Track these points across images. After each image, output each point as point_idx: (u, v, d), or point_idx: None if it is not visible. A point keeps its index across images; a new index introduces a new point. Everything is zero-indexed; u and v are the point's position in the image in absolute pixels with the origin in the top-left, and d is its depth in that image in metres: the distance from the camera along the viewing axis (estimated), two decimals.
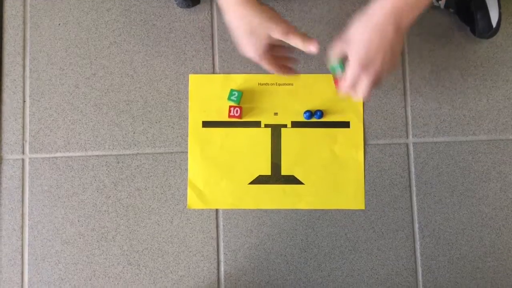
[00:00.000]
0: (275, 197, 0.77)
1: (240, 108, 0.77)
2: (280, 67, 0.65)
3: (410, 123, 0.79)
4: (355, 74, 0.59)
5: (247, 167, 0.78)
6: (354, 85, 0.61)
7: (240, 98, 0.77)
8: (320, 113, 0.77)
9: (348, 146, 0.78)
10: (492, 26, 0.74)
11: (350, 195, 0.77)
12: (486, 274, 0.76)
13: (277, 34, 0.60)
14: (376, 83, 0.60)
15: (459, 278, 0.76)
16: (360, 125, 0.78)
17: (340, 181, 0.77)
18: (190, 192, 0.77)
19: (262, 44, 0.61)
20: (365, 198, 0.77)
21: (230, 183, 0.77)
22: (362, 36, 0.58)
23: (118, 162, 0.78)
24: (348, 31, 0.60)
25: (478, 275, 0.76)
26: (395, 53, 0.59)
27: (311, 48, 0.62)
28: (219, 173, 0.78)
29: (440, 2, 0.77)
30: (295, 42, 0.61)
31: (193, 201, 0.77)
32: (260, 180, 0.78)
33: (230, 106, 0.77)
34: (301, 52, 0.79)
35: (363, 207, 0.77)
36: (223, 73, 0.79)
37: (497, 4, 0.74)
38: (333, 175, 0.77)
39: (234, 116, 0.76)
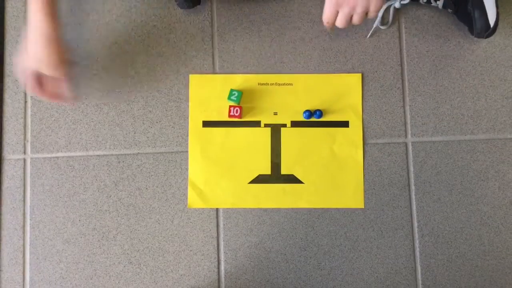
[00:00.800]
0: (275, 196, 0.78)
1: (240, 107, 0.77)
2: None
3: (408, 122, 0.79)
4: (330, 11, 0.69)
5: (247, 167, 0.78)
6: (333, 20, 0.70)
7: (240, 98, 0.77)
8: (320, 113, 0.78)
9: (348, 146, 0.78)
10: (489, 25, 0.75)
11: (349, 194, 0.78)
12: (485, 272, 0.77)
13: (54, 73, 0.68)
14: (360, 19, 0.68)
15: (458, 277, 0.77)
16: (359, 124, 0.79)
17: (340, 180, 0.78)
18: (190, 192, 0.78)
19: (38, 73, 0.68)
20: (364, 197, 0.78)
21: (230, 183, 0.78)
22: None
23: (119, 162, 0.78)
24: None
25: (477, 274, 0.77)
26: None
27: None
28: (219, 173, 0.78)
29: (438, 2, 0.77)
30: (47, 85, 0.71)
31: (194, 201, 0.77)
32: (260, 179, 0.78)
33: (230, 106, 0.77)
34: (300, 52, 0.80)
35: (362, 206, 0.77)
36: (223, 73, 0.80)
37: (494, 3, 0.74)
38: (332, 174, 0.78)
39: (234, 116, 0.77)
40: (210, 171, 0.78)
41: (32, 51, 0.66)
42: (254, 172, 0.78)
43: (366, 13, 0.68)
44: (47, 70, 0.67)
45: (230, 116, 0.77)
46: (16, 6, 0.81)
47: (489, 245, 0.77)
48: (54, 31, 0.66)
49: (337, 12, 0.69)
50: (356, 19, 0.69)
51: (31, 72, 0.68)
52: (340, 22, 0.69)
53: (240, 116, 0.77)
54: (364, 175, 0.78)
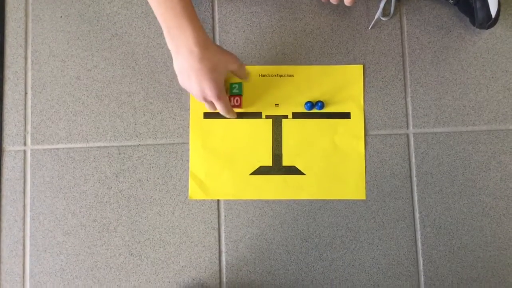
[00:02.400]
0: (277, 188, 0.77)
1: (240, 97, 0.77)
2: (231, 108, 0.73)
3: (410, 113, 0.79)
4: None
5: (248, 158, 0.78)
6: None
7: (241, 87, 0.77)
8: (321, 104, 0.78)
9: (349, 137, 0.78)
10: (491, 16, 0.75)
11: (351, 185, 0.77)
12: (486, 263, 0.77)
13: (234, 65, 0.69)
14: None
15: (460, 268, 0.76)
16: (360, 115, 0.79)
17: (341, 171, 0.78)
18: (191, 183, 0.77)
19: (222, 78, 0.67)
20: (366, 188, 0.77)
21: (232, 174, 0.78)
22: None
23: (119, 153, 0.78)
24: None
25: (479, 265, 0.77)
26: None
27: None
28: (221, 164, 0.78)
29: None
30: (243, 72, 0.73)
31: (195, 192, 0.77)
32: (261, 170, 0.78)
33: (230, 96, 0.77)
34: (302, 44, 0.80)
35: (364, 197, 0.77)
36: None
37: None
38: (334, 166, 0.78)
39: (235, 106, 0.77)
40: (211, 163, 0.78)
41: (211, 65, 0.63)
42: (255, 163, 0.78)
43: None
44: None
45: (231, 106, 0.77)
46: None
47: (491, 236, 0.77)
48: (204, 33, 0.63)
49: None
50: None
51: (224, 78, 0.67)
52: None
53: (241, 106, 0.77)
54: (365, 167, 0.78)
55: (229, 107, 0.71)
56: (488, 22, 0.75)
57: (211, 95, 0.65)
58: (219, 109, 0.70)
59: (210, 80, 0.64)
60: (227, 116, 0.74)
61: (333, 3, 0.71)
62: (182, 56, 0.63)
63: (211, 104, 0.69)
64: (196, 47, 0.61)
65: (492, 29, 0.78)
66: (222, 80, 0.67)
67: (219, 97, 0.66)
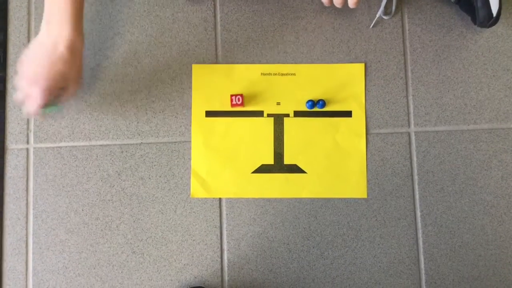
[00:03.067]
0: (278, 186, 0.78)
1: (242, 95, 0.77)
2: None
3: (411, 112, 0.79)
4: None
5: (250, 156, 0.78)
6: None
7: (58, 109, 0.73)
8: (323, 103, 0.78)
9: (350, 135, 0.78)
10: (492, 15, 0.75)
11: (352, 183, 0.78)
12: (488, 262, 0.77)
13: (71, 89, 0.69)
14: None
15: (461, 266, 0.77)
16: (362, 114, 0.79)
17: (343, 170, 0.78)
18: (193, 181, 0.78)
19: (58, 86, 0.67)
20: (367, 187, 0.78)
21: (233, 172, 0.78)
22: None
23: (122, 152, 0.78)
24: None
25: (480, 263, 0.77)
26: None
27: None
28: (222, 162, 0.78)
29: None
30: (66, 97, 0.70)
31: (196, 190, 0.77)
32: (263, 169, 0.78)
33: (232, 95, 0.77)
34: (303, 42, 0.80)
35: (365, 196, 0.77)
36: (226, 63, 0.80)
37: None
38: (335, 164, 0.78)
39: (236, 105, 0.77)
40: (213, 161, 0.78)
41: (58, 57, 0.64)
42: (257, 162, 0.78)
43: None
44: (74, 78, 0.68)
45: (232, 105, 0.77)
46: None
47: (492, 234, 0.77)
48: (81, 43, 0.66)
49: None
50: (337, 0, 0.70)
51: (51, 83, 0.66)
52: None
53: (242, 104, 0.77)
54: (367, 165, 0.78)
55: (33, 110, 0.67)
56: (489, 21, 0.75)
57: (38, 90, 0.64)
58: (29, 100, 0.66)
59: (49, 80, 0.64)
60: (28, 110, 0.68)
61: (337, 6, 0.71)
62: (46, 41, 0.64)
63: (27, 91, 0.66)
64: (64, 47, 0.64)
65: (493, 27, 0.78)
66: (57, 88, 0.66)
67: (39, 97, 0.64)
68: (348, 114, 0.79)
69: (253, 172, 0.78)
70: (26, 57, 0.66)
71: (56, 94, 0.68)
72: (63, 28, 0.64)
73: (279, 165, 0.78)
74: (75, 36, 0.65)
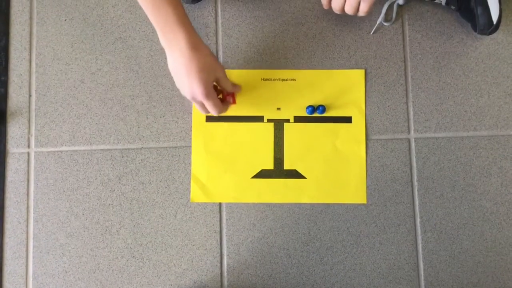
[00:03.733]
0: (278, 191, 0.78)
1: (233, 93, 0.75)
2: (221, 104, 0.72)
3: (412, 118, 0.80)
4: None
5: (250, 162, 0.78)
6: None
7: None
8: (323, 108, 0.78)
9: (350, 141, 0.79)
10: (492, 22, 0.75)
11: (352, 189, 0.78)
12: (487, 268, 0.77)
13: (220, 73, 0.70)
14: (353, 9, 0.70)
15: (460, 273, 0.77)
16: (362, 120, 0.79)
17: (342, 175, 0.78)
18: (193, 186, 0.78)
19: (211, 80, 0.68)
20: (367, 192, 0.78)
21: (233, 177, 0.78)
22: None
23: (122, 156, 0.79)
24: None
25: (479, 270, 0.77)
26: None
27: (237, 89, 0.77)
28: (222, 167, 0.78)
29: None
30: (228, 84, 0.72)
31: (196, 195, 0.78)
32: (262, 174, 0.78)
33: (226, 94, 0.75)
34: (304, 48, 0.80)
35: (365, 202, 0.78)
36: (227, 68, 0.80)
37: (497, 1, 0.74)
38: (335, 170, 0.78)
39: (228, 103, 0.75)
40: (213, 166, 0.78)
41: (202, 62, 0.65)
42: (257, 167, 0.78)
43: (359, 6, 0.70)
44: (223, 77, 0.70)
45: (224, 97, 0.75)
46: (22, 1, 0.81)
47: (491, 241, 0.77)
48: (198, 38, 0.66)
49: None
50: (348, 7, 0.70)
51: (212, 79, 0.68)
52: (334, 6, 0.72)
53: (234, 102, 0.76)
54: (367, 171, 0.78)
55: (219, 106, 0.70)
56: (490, 28, 0.75)
57: (199, 93, 0.66)
58: (209, 108, 0.70)
59: (199, 79, 0.65)
60: (216, 114, 0.72)
61: (349, 14, 0.72)
62: (174, 55, 0.65)
63: (201, 104, 0.70)
64: (187, 48, 0.64)
65: (494, 34, 0.78)
66: (211, 81, 0.68)
67: (207, 96, 0.67)
68: (348, 120, 0.79)
69: (253, 177, 0.78)
70: (175, 79, 0.68)
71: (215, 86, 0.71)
72: (176, 33, 0.63)
73: (279, 170, 0.78)
74: (190, 34, 0.64)
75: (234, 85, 0.75)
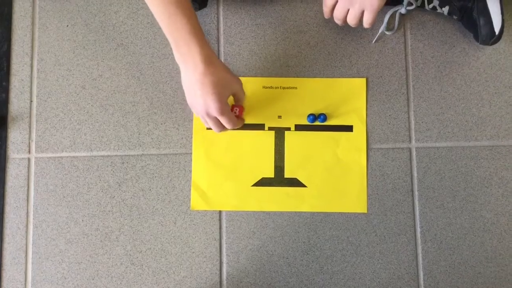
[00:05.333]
0: (278, 200, 0.78)
1: (240, 107, 0.76)
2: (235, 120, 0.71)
3: (413, 127, 0.79)
4: (330, 2, 0.72)
5: (250, 169, 0.78)
6: (331, 9, 0.73)
7: None
8: (324, 117, 0.78)
9: (351, 150, 0.79)
10: (495, 33, 0.75)
11: (352, 198, 0.78)
12: (487, 279, 0.77)
13: (237, 86, 0.69)
14: (355, 20, 0.70)
15: (460, 283, 0.76)
16: (363, 129, 0.79)
17: (343, 184, 0.78)
18: (193, 193, 0.78)
19: (226, 94, 0.67)
20: (367, 201, 0.78)
21: (234, 185, 0.78)
22: None
23: (123, 163, 0.78)
24: None
25: (480, 280, 0.77)
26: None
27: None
28: (223, 175, 0.78)
29: (443, 9, 0.78)
30: (243, 96, 0.72)
31: (197, 202, 0.78)
32: (263, 182, 0.78)
33: (233, 105, 0.76)
34: (305, 56, 0.80)
35: (365, 211, 0.77)
36: None
37: (500, 11, 0.74)
38: (336, 179, 0.78)
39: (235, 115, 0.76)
40: (213, 173, 0.78)
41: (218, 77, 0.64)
42: (257, 175, 0.78)
43: (362, 16, 0.70)
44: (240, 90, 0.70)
45: None
46: (24, 6, 0.81)
47: (492, 252, 0.77)
48: (212, 51, 0.65)
49: (336, 4, 0.71)
50: (350, 17, 0.70)
51: (228, 94, 0.68)
52: (336, 16, 0.72)
53: (241, 116, 0.76)
54: (367, 180, 0.78)
55: (234, 120, 0.70)
56: (492, 38, 0.75)
57: (214, 109, 0.65)
58: (224, 123, 0.69)
59: (214, 95, 0.64)
60: (231, 128, 0.72)
61: (352, 25, 0.72)
62: (188, 70, 0.64)
63: (215, 121, 0.68)
64: (201, 62, 0.63)
65: (496, 45, 0.78)
66: (226, 96, 0.67)
67: (222, 112, 0.66)
68: (349, 128, 0.79)
69: (253, 185, 0.78)
70: (187, 96, 0.67)
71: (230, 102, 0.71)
72: (191, 46, 0.62)
73: (279, 179, 0.78)
74: (205, 48, 0.64)
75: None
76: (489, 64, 0.80)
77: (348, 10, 0.70)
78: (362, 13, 0.69)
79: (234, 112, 0.76)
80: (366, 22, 0.70)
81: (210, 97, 0.64)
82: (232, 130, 0.74)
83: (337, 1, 0.71)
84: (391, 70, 0.80)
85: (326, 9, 0.74)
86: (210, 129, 0.79)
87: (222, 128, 0.70)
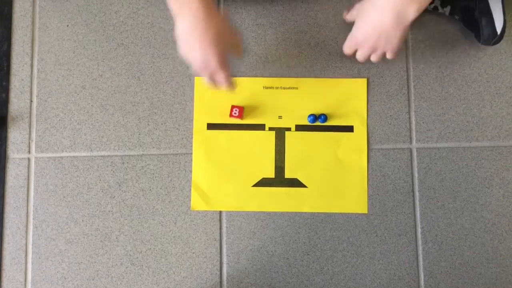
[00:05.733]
0: (278, 200, 0.78)
1: (241, 108, 0.76)
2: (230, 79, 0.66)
3: (414, 128, 0.79)
4: (350, 46, 0.70)
5: (251, 170, 0.78)
6: (351, 54, 0.71)
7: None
8: (324, 117, 0.78)
9: (352, 151, 0.78)
10: (496, 33, 0.75)
11: (353, 199, 0.77)
12: (488, 280, 0.76)
13: (235, 38, 0.67)
14: (378, 59, 0.69)
15: (461, 284, 0.76)
16: (363, 129, 0.79)
17: (343, 185, 0.78)
18: (193, 194, 0.78)
19: (227, 47, 0.63)
20: (368, 202, 0.77)
21: (234, 185, 0.78)
22: (363, 12, 0.67)
23: (123, 163, 0.78)
24: (361, 4, 0.68)
25: (480, 281, 0.76)
26: (390, 39, 0.65)
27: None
28: (223, 175, 0.78)
29: (445, 9, 0.77)
30: (241, 49, 0.71)
31: (197, 203, 0.77)
32: (263, 182, 0.78)
33: (233, 106, 0.77)
34: (306, 57, 0.80)
35: (366, 211, 0.77)
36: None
37: (502, 11, 0.74)
38: (336, 179, 0.78)
39: (234, 117, 0.77)
40: (214, 174, 0.78)
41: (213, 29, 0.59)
42: (257, 175, 0.78)
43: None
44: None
45: (231, 116, 0.77)
46: (24, 6, 0.81)
47: (492, 252, 0.77)
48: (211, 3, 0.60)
49: (356, 49, 0.70)
50: (374, 58, 0.69)
51: (228, 48, 0.64)
52: (359, 58, 0.70)
53: (240, 117, 0.77)
54: (368, 181, 0.78)
55: (230, 79, 0.65)
56: (494, 38, 0.75)
57: (214, 62, 0.61)
58: (221, 79, 0.64)
59: (214, 47, 0.60)
60: (225, 87, 0.67)
61: (373, 61, 0.70)
62: (185, 20, 0.59)
63: (211, 75, 0.64)
64: (201, 11, 0.58)
65: (497, 45, 0.77)
66: (226, 49, 0.63)
67: (222, 65, 0.62)
68: (350, 129, 0.79)
69: (253, 186, 0.78)
70: (183, 48, 0.62)
71: (228, 55, 0.65)
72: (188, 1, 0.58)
73: (279, 179, 0.78)
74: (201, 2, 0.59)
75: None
76: (490, 65, 0.80)
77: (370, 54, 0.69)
78: (384, 54, 0.68)
79: (234, 113, 0.76)
80: (389, 57, 0.69)
81: (210, 49, 0.60)
82: (227, 89, 0.68)
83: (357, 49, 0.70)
84: (392, 70, 0.80)
85: (347, 53, 0.72)
86: (210, 128, 0.79)
87: (218, 82, 0.66)
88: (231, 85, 0.67)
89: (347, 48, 0.71)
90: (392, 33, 0.64)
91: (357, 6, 0.69)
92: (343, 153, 0.78)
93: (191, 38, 0.60)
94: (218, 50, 0.61)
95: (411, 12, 0.61)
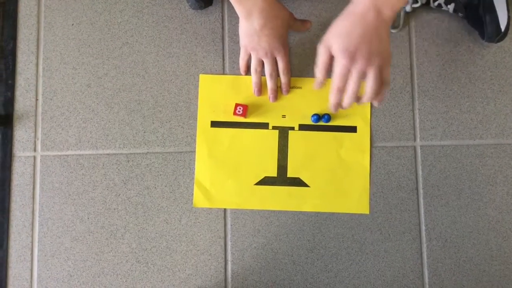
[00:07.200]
0: (281, 199, 0.78)
1: (245, 106, 0.77)
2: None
3: (417, 126, 0.79)
4: (343, 66, 0.58)
5: (253, 168, 0.78)
6: (344, 84, 0.60)
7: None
8: (328, 117, 0.78)
9: (354, 151, 0.78)
10: (500, 30, 0.75)
11: (354, 199, 0.78)
12: (492, 277, 0.77)
13: (292, 19, 0.73)
14: (377, 80, 0.59)
15: (465, 281, 0.76)
16: (367, 130, 0.79)
17: (345, 185, 0.78)
18: (196, 191, 0.78)
19: (287, 33, 0.73)
20: (372, 200, 0.78)
21: (236, 183, 0.78)
22: (343, 25, 0.59)
23: (128, 161, 0.79)
24: (329, 29, 0.61)
25: (485, 279, 0.76)
26: (382, 41, 0.58)
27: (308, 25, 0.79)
28: (226, 173, 0.78)
29: (449, 6, 0.77)
30: (304, 25, 0.78)
31: (199, 200, 0.78)
32: (266, 181, 0.78)
33: (237, 104, 0.77)
34: (310, 56, 0.80)
35: (367, 212, 0.77)
36: (233, 74, 0.80)
37: (506, 8, 0.74)
38: (338, 179, 0.78)
39: (238, 115, 0.77)
40: (216, 171, 0.78)
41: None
42: (260, 173, 0.78)
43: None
44: None
45: (235, 114, 0.77)
46: (29, 5, 0.82)
47: (497, 250, 0.77)
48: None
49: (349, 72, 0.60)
50: (370, 79, 0.59)
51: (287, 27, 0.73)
52: (351, 85, 0.61)
53: (244, 115, 0.77)
54: (371, 179, 0.78)
55: (288, 56, 0.75)
56: (498, 36, 0.75)
57: (279, 51, 0.72)
58: (284, 63, 0.74)
59: (280, 38, 0.70)
60: (284, 71, 0.75)
61: (370, 89, 0.61)
62: (253, 18, 0.68)
63: (273, 61, 0.74)
64: (267, 6, 0.67)
65: (501, 42, 0.78)
66: (287, 35, 0.74)
67: (285, 53, 0.73)
68: (353, 129, 0.79)
69: (256, 184, 0.78)
70: (246, 40, 0.73)
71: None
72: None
73: (282, 178, 0.78)
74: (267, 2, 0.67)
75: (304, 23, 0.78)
76: (494, 62, 0.80)
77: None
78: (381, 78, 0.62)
79: (238, 111, 0.77)
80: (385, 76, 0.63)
81: (276, 40, 0.70)
82: (281, 76, 0.77)
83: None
84: (395, 68, 0.80)
85: (322, 79, 0.67)
86: (214, 126, 0.79)
87: (276, 68, 0.75)
88: (289, 71, 0.76)
89: (339, 78, 0.60)
90: (381, 33, 0.58)
91: (324, 41, 0.61)
92: (346, 153, 0.78)
93: (259, 33, 0.69)
94: (283, 39, 0.72)
95: (389, 7, 0.57)
